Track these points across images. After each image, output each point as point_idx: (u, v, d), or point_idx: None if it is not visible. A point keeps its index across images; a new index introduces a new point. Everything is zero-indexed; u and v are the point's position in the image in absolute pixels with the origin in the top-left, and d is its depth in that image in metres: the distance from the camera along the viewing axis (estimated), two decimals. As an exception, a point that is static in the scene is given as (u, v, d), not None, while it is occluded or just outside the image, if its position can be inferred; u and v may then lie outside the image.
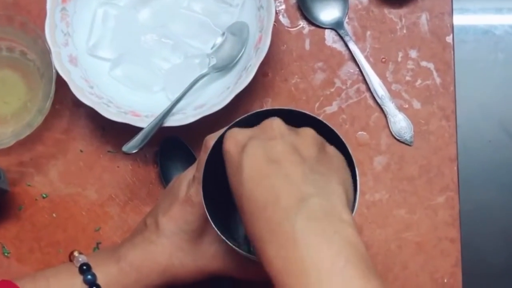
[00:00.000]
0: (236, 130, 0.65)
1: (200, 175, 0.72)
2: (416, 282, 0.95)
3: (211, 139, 0.73)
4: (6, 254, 0.98)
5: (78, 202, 1.00)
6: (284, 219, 0.57)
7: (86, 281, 0.75)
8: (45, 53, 0.95)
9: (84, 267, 0.76)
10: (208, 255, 0.78)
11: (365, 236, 0.96)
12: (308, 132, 0.64)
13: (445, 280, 0.94)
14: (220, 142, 0.67)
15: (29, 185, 1.00)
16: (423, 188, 0.97)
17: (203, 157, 0.73)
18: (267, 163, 0.60)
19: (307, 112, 0.70)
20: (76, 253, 0.79)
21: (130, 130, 0.92)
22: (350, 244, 0.55)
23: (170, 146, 0.98)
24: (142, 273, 0.78)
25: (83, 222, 0.99)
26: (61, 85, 0.94)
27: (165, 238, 0.78)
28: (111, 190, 1.00)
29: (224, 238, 0.70)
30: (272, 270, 0.56)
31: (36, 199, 1.00)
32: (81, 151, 1.01)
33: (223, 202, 0.70)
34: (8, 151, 1.00)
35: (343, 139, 0.69)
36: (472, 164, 1.06)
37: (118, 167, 1.00)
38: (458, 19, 1.05)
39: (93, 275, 0.76)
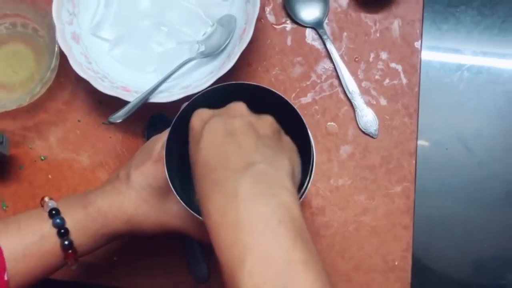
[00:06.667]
0: (202, 110, 0.64)
1: (165, 137, 0.71)
2: (369, 262, 0.92)
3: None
4: (4, 207, 0.96)
5: (72, 166, 0.97)
6: (229, 178, 0.55)
7: (54, 225, 0.72)
8: (52, 29, 0.92)
9: (53, 212, 0.72)
10: (171, 213, 0.76)
11: (327, 217, 0.93)
12: (267, 118, 0.63)
13: (396, 263, 0.91)
14: (190, 109, 0.66)
15: (30, 148, 0.98)
16: (382, 177, 0.94)
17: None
18: (224, 135, 0.59)
19: (274, 90, 0.69)
20: (46, 199, 0.75)
21: (123, 106, 0.90)
22: (286, 208, 0.53)
23: (157, 122, 0.96)
24: (108, 219, 0.75)
25: (75, 184, 0.97)
26: (67, 60, 0.91)
27: (133, 190, 0.75)
28: (102, 158, 0.97)
29: (177, 197, 0.68)
30: (210, 222, 0.55)
31: (35, 161, 0.97)
32: (79, 121, 0.99)
33: (188, 167, 0.67)
34: (14, 116, 0.98)
35: (299, 113, 0.68)
36: (429, 170, 1.04)
37: (110, 137, 0.98)
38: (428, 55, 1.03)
39: (62, 219, 0.72)
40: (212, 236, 0.54)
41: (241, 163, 0.56)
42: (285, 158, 0.60)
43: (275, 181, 0.56)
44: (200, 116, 0.63)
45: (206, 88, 0.76)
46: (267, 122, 0.63)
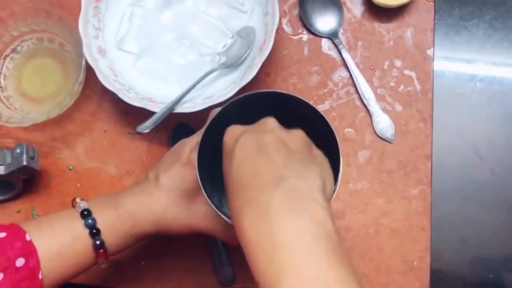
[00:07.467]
0: (234, 126, 0.65)
1: (198, 141, 0.71)
2: (389, 263, 0.93)
3: (215, 112, 0.72)
4: (35, 216, 0.98)
5: (100, 175, 0.99)
6: (261, 194, 0.55)
7: (86, 225, 0.73)
8: (78, 44, 0.94)
9: (85, 212, 0.74)
10: (199, 214, 0.76)
11: (346, 220, 0.94)
12: (298, 132, 0.63)
13: (415, 263, 0.93)
14: (222, 115, 0.67)
15: (58, 158, 1.00)
16: (400, 180, 0.95)
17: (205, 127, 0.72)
18: (255, 151, 0.59)
19: (303, 98, 0.68)
20: (78, 199, 0.76)
21: (148, 116, 0.92)
22: (318, 222, 0.53)
23: (181, 131, 0.97)
24: (137, 220, 0.75)
25: (102, 192, 0.98)
26: (93, 73, 0.93)
27: (162, 192, 0.76)
28: (128, 167, 0.99)
29: (208, 200, 0.68)
30: (244, 239, 0.54)
31: (63, 170, 0.99)
32: (105, 131, 1.00)
33: (218, 171, 0.68)
34: (43, 128, 1.00)
35: (328, 121, 0.67)
36: (444, 175, 1.06)
37: (136, 146, 0.99)
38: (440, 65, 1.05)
39: (93, 220, 0.73)
40: (247, 255, 0.54)
41: (272, 179, 0.56)
42: (316, 172, 0.59)
43: (306, 195, 0.55)
44: (233, 132, 0.64)
45: (235, 97, 0.74)
46: (297, 137, 0.63)
